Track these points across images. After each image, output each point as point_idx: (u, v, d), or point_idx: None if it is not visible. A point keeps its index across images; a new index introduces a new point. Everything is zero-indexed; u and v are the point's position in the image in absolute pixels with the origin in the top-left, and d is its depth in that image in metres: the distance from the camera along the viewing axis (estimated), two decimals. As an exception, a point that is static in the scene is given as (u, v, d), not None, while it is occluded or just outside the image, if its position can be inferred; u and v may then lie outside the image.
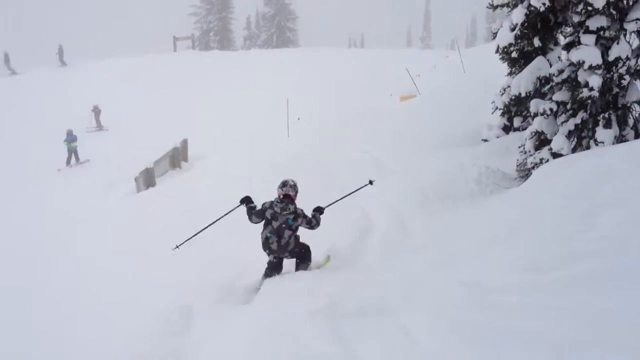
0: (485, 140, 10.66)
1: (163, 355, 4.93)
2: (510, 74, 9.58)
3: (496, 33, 8.77)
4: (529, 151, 7.68)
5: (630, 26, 6.38)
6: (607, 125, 6.59)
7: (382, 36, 74.62)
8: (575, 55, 6.52)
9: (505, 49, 8.29)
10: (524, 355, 2.98)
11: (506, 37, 8.12)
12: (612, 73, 6.51)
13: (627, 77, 6.52)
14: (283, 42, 53.91)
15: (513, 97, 8.57)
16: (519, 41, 8.03)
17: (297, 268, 6.26)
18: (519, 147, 8.26)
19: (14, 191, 15.16)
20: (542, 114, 7.28)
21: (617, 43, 6.39)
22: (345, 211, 7.94)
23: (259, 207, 6.18)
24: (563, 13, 7.47)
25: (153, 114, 24.57)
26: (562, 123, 7.04)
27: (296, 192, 6.17)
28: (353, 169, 10.70)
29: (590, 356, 2.71)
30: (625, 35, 6.51)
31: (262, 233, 6.08)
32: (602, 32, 6.45)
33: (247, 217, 6.22)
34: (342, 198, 6.57)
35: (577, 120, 6.84)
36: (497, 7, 8.50)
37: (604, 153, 5.72)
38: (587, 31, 6.51)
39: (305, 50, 44.31)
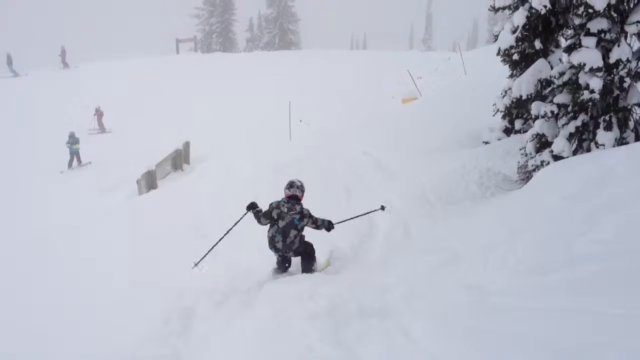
0: (487, 143, 10.67)
1: (163, 357, 4.93)
2: (511, 76, 9.58)
3: (497, 35, 8.77)
4: (530, 153, 7.68)
5: (630, 28, 6.38)
6: (608, 127, 6.60)
7: (384, 38, 74.63)
8: (576, 57, 6.52)
9: (507, 52, 8.29)
10: (526, 359, 2.98)
11: (507, 39, 8.12)
12: (612, 75, 6.51)
13: (627, 80, 6.52)
14: (285, 44, 53.96)
15: (514, 100, 8.56)
16: (520, 43, 8.04)
17: (302, 267, 6.42)
18: (520, 150, 8.26)
19: (16, 193, 15.19)
20: (543, 117, 7.29)
21: (618, 45, 6.39)
22: (347, 212, 7.94)
23: (266, 208, 6.28)
24: (564, 15, 7.48)
25: (155, 116, 24.59)
26: (563, 125, 7.04)
27: (303, 192, 6.32)
28: (355, 171, 10.71)
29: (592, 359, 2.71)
30: (625, 37, 6.51)
31: (268, 232, 6.22)
32: (602, 35, 6.45)
33: (256, 221, 6.34)
34: (351, 218, 6.67)
35: (578, 122, 6.84)
36: (498, 9, 8.49)
37: (604, 155, 5.72)
38: (588, 33, 6.52)
39: (308, 52, 44.39)
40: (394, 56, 37.90)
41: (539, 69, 7.79)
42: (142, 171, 14.78)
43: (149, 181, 14.81)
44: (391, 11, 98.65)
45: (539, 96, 7.75)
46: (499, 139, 10.49)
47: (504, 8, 8.33)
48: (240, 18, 56.91)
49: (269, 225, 6.25)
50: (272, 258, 6.81)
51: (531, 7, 7.29)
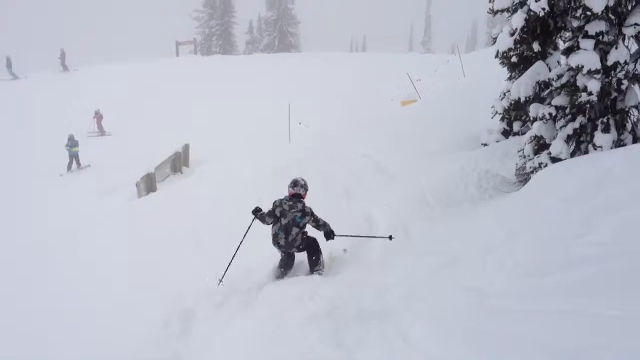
0: (485, 145, 10.68)
1: (163, 359, 4.94)
2: (509, 78, 9.60)
3: (496, 38, 8.80)
4: (528, 155, 7.69)
5: (628, 31, 6.39)
6: (606, 129, 6.60)
7: (383, 40, 74.70)
8: (574, 59, 6.53)
9: (505, 54, 8.30)
10: (524, 361, 3.00)
11: (506, 41, 8.13)
12: (610, 78, 6.52)
13: (625, 82, 6.52)
14: (285, 46, 54.01)
15: (512, 102, 8.58)
16: (519, 46, 8.04)
17: (309, 262, 6.57)
18: (518, 152, 8.27)
19: (15, 196, 15.20)
20: (541, 119, 7.30)
21: (616, 48, 6.40)
22: (347, 214, 7.98)
23: (270, 207, 6.46)
24: (562, 18, 7.48)
25: (154, 118, 24.61)
26: (561, 127, 7.04)
27: (306, 190, 6.53)
28: (355, 173, 10.74)
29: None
30: (623, 39, 6.52)
31: (272, 229, 6.41)
32: (600, 37, 6.46)
33: (262, 224, 6.49)
34: (355, 236, 6.75)
35: (576, 124, 6.84)
36: (497, 12, 8.50)
37: (602, 157, 5.72)
38: (586, 36, 6.53)
39: (307, 55, 44.43)
40: (393, 58, 37.94)
41: (537, 71, 7.80)
42: (142, 174, 14.79)
43: (148, 184, 14.82)
44: (390, 13, 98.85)
45: (537, 98, 7.76)
46: (497, 141, 10.50)
47: (502, 10, 8.34)
48: (240, 20, 57.01)
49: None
50: (271, 258, 6.85)
51: (530, 10, 7.30)
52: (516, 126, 10.04)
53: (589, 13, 6.26)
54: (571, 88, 6.75)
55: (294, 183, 6.49)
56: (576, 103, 6.67)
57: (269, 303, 5.41)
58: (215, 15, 54.51)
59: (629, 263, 3.56)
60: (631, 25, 6.32)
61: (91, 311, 6.73)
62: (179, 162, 17.26)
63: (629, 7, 6.47)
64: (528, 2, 7.33)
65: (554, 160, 6.98)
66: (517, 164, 8.25)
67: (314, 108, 23.00)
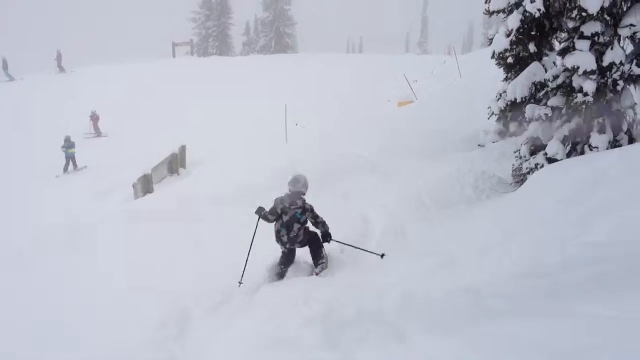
0: (481, 146, 10.69)
1: (160, 361, 4.94)
2: (506, 79, 9.61)
3: (492, 39, 8.79)
4: (525, 156, 7.70)
5: (624, 32, 6.42)
6: (601, 130, 6.63)
7: (380, 41, 74.78)
8: (570, 60, 6.55)
9: (501, 55, 8.31)
10: (521, 362, 3.00)
11: (502, 42, 8.14)
12: (606, 78, 6.54)
13: (621, 83, 6.55)
14: (281, 47, 53.97)
15: (509, 103, 8.59)
16: (515, 47, 8.05)
17: (313, 256, 6.69)
18: (515, 152, 8.28)
19: (11, 198, 15.13)
20: (537, 119, 7.32)
21: (611, 48, 6.42)
22: (343, 216, 7.97)
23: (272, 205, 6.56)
24: (558, 19, 7.50)
25: (151, 119, 24.55)
26: (557, 128, 7.07)
27: (307, 187, 6.62)
28: (351, 174, 10.73)
29: (587, 362, 2.72)
30: (619, 40, 6.55)
31: (274, 226, 6.52)
32: (596, 38, 6.48)
33: (266, 222, 6.60)
34: (350, 245, 6.77)
35: (572, 125, 6.87)
36: (493, 13, 8.51)
37: (598, 158, 5.75)
38: (582, 37, 6.55)
39: (304, 56, 44.42)
40: (389, 59, 37.96)
41: (533, 72, 7.82)
42: (138, 175, 14.74)
43: (145, 185, 14.77)
44: (387, 14, 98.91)
45: (533, 99, 7.78)
46: (493, 142, 10.51)
47: (498, 11, 8.35)
48: (236, 22, 56.99)
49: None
50: (270, 259, 6.85)
51: (525, 11, 7.32)
52: (512, 127, 10.06)
53: (584, 14, 6.28)
54: (567, 89, 6.78)
55: (295, 180, 6.59)
56: (572, 104, 6.69)
57: (265, 306, 5.40)
58: (212, 17, 54.47)
59: (626, 264, 3.57)
60: (626, 26, 6.34)
61: (87, 311, 6.72)
62: (175, 163, 17.21)
63: (624, 8, 6.50)
64: (524, 3, 7.35)
65: (550, 161, 7.00)
66: (513, 165, 8.26)
67: (310, 109, 22.98)
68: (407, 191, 8.67)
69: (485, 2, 8.63)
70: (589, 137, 6.75)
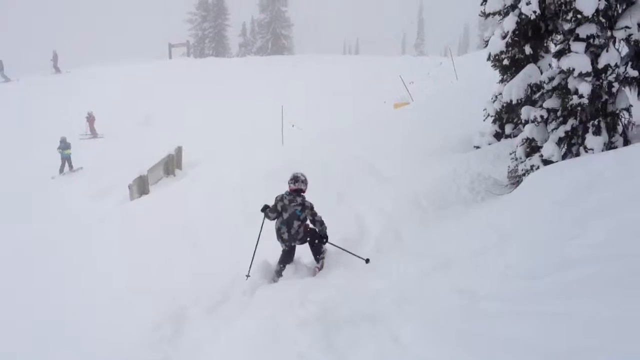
0: (477, 147, 10.69)
1: (154, 362, 4.92)
2: (501, 81, 9.61)
3: (488, 41, 8.81)
4: (520, 158, 7.71)
5: (619, 34, 6.43)
6: (597, 132, 6.64)
7: (376, 43, 74.91)
8: (566, 62, 6.56)
9: (497, 57, 8.32)
10: (516, 363, 3.00)
11: (498, 44, 8.16)
12: (601, 80, 6.56)
13: (616, 85, 6.57)
14: (278, 49, 54.04)
15: (504, 104, 8.61)
16: (510, 49, 8.07)
17: (313, 251, 6.76)
18: (510, 154, 8.29)
19: (6, 199, 15.08)
20: (532, 121, 7.32)
21: (607, 50, 6.44)
22: (339, 217, 7.96)
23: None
24: (553, 21, 7.52)
25: (147, 121, 24.55)
26: (552, 130, 7.07)
27: (307, 185, 6.73)
28: (347, 175, 10.73)
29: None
30: (614, 42, 6.56)
31: (275, 224, 6.59)
32: (591, 40, 6.49)
33: (268, 219, 6.70)
34: (342, 249, 6.77)
35: (567, 127, 6.87)
36: (488, 15, 8.53)
37: (593, 160, 5.75)
38: (577, 39, 6.56)
39: (300, 57, 44.47)
40: (386, 61, 38.06)
41: (528, 73, 7.83)
42: (134, 176, 14.71)
43: (141, 186, 14.74)
44: (383, 16, 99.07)
45: (529, 101, 7.79)
46: (489, 144, 10.51)
47: (494, 14, 8.36)
48: (233, 23, 57.05)
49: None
50: (270, 259, 6.85)
51: (521, 13, 7.34)
52: (508, 129, 10.07)
53: (579, 16, 6.29)
54: (562, 91, 6.79)
55: (295, 179, 6.68)
56: (567, 106, 6.70)
57: (261, 308, 5.39)
58: (209, 18, 54.50)
59: (622, 265, 3.57)
60: (622, 28, 6.36)
61: (83, 312, 6.73)
62: (171, 164, 17.19)
63: (620, 10, 6.52)
64: (519, 5, 7.36)
65: (546, 162, 7.01)
66: (509, 167, 8.27)
67: (307, 110, 23.03)
68: (403, 192, 8.67)
69: (481, 4, 8.65)
70: (584, 139, 6.76)
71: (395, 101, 21.59)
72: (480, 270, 4.83)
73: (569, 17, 6.47)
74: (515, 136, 9.27)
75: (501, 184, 8.37)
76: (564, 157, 6.95)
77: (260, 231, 6.85)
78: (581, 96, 6.47)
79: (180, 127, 22.45)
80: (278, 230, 6.54)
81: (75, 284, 7.95)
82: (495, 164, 9.18)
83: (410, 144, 11.95)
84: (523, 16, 7.31)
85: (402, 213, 7.90)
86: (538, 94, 7.48)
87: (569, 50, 6.63)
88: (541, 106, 7.21)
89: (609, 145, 6.69)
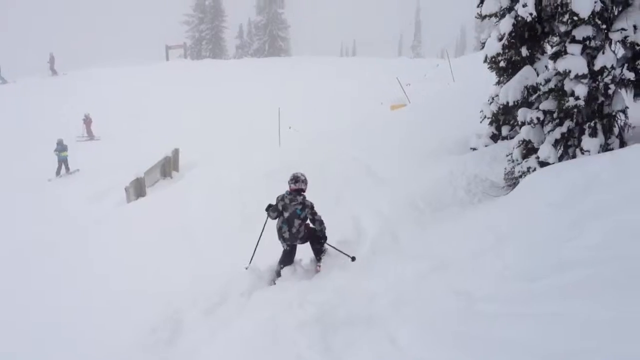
0: (474, 149, 10.70)
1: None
2: (498, 83, 9.63)
3: (484, 43, 8.82)
4: (517, 160, 7.72)
5: (615, 36, 6.45)
6: (593, 134, 6.65)
7: (373, 45, 75.03)
8: (562, 64, 6.58)
9: (494, 59, 8.33)
10: (513, 365, 3.00)
11: (494, 46, 8.17)
12: (597, 82, 6.57)
13: (612, 86, 6.58)
14: (275, 50, 54.06)
15: (501, 106, 8.62)
16: (507, 51, 8.08)
17: (314, 250, 6.86)
18: (507, 156, 8.29)
19: (3, 201, 15.02)
20: (529, 123, 7.34)
21: (603, 52, 6.45)
22: (336, 219, 7.96)
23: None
24: (550, 23, 7.53)
25: (144, 123, 24.51)
26: (548, 132, 7.08)
27: (307, 184, 6.80)
28: (344, 177, 10.73)
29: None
30: (610, 44, 6.58)
31: (276, 223, 6.65)
32: (587, 42, 6.50)
33: (270, 218, 6.77)
34: (335, 248, 6.83)
35: (564, 129, 6.88)
36: (485, 17, 8.53)
37: (589, 162, 5.77)
38: (573, 41, 6.57)
39: (297, 59, 44.49)
40: (383, 63, 38.13)
41: (525, 75, 7.85)
42: (131, 179, 14.68)
43: (138, 189, 14.71)
44: (380, 18, 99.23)
45: (525, 103, 7.80)
46: (486, 146, 10.52)
47: (490, 16, 8.37)
48: (230, 25, 57.07)
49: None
50: (270, 259, 6.86)
51: (517, 15, 7.35)
52: (505, 130, 10.08)
53: (576, 18, 6.30)
54: (559, 92, 6.80)
55: (295, 179, 6.74)
56: (564, 107, 6.71)
57: (259, 310, 5.39)
58: (206, 20, 54.50)
59: (619, 267, 3.58)
60: (618, 30, 6.38)
61: (79, 315, 6.71)
62: (168, 166, 17.15)
63: (616, 12, 6.54)
64: (516, 7, 7.38)
65: (542, 164, 7.02)
66: (505, 168, 8.28)
67: (304, 112, 23.01)
68: (400, 194, 8.67)
69: (478, 6, 8.66)
70: (580, 140, 6.77)
71: (392, 103, 21.57)
72: (477, 272, 4.83)
73: (565, 19, 6.48)
74: (511, 138, 9.29)
75: (498, 185, 8.38)
76: (560, 159, 6.96)
77: (263, 229, 6.95)
78: (577, 98, 6.48)
79: (178, 129, 22.42)
80: (279, 229, 6.60)
81: (72, 286, 7.94)
82: (492, 165, 9.19)
83: (407, 145, 11.96)
84: (519, 18, 7.32)
85: (399, 215, 7.90)
86: (534, 96, 7.50)
87: (565, 52, 6.64)
88: (537, 108, 7.23)
89: (605, 147, 6.70)
